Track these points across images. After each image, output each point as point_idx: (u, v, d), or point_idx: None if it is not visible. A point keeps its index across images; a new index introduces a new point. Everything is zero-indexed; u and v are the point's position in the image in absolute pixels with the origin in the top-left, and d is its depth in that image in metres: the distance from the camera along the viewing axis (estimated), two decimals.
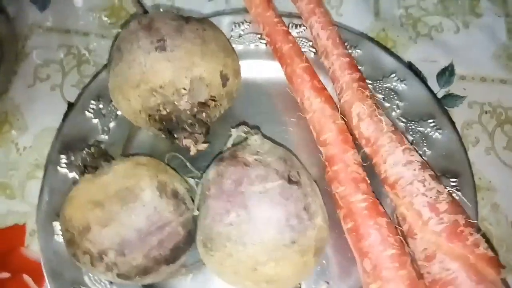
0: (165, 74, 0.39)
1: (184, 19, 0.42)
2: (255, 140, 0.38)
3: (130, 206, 0.34)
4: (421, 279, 0.36)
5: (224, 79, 0.41)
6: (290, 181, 0.35)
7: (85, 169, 0.37)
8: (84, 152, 0.38)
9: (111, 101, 0.47)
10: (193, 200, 0.39)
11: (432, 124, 0.46)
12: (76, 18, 0.63)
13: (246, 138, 0.39)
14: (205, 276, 0.42)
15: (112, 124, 0.48)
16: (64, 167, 0.45)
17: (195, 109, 0.40)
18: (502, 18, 0.60)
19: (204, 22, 0.42)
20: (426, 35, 0.60)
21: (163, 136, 0.42)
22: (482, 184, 0.50)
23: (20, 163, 0.52)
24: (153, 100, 0.39)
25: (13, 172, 0.52)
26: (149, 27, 0.40)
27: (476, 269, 0.33)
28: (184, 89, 0.39)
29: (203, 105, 0.40)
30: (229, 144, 0.40)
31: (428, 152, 0.45)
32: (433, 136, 0.46)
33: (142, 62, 0.39)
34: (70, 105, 0.52)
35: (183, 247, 0.37)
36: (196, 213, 0.36)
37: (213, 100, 0.41)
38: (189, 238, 0.37)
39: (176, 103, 0.39)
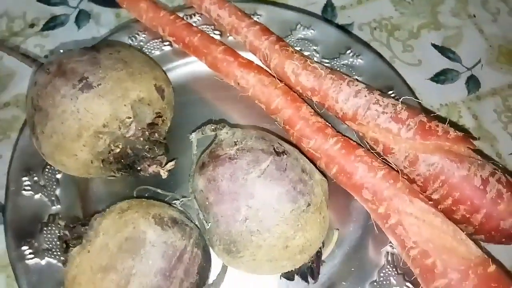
0: (103, 111, 0.36)
1: (92, 49, 0.38)
2: (225, 133, 0.37)
3: (141, 253, 0.32)
4: (414, 183, 0.40)
5: (161, 91, 0.39)
6: (278, 153, 0.35)
7: (67, 245, 0.33)
8: (47, 231, 0.33)
9: (44, 168, 0.42)
10: (189, 219, 0.37)
11: (351, 54, 0.50)
12: None
13: (215, 136, 0.38)
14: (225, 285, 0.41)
15: (58, 191, 0.43)
16: (32, 258, 0.39)
17: (147, 133, 0.38)
18: None
19: (113, 44, 0.39)
20: None
21: (123, 175, 0.39)
22: None
23: None
24: (101, 142, 0.36)
25: None
26: (62, 71, 0.36)
27: (454, 152, 0.38)
28: (129, 117, 0.37)
29: (152, 125, 0.38)
30: (194, 151, 0.39)
31: (359, 79, 0.49)
32: (357, 64, 0.50)
33: (74, 109, 0.35)
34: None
35: (206, 265, 0.35)
36: (207, 226, 0.35)
37: (159, 116, 0.39)
38: (207, 254, 0.36)
39: (126, 135, 0.37)
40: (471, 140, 0.38)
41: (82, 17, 0.59)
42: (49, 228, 0.40)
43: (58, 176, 0.43)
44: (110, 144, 0.36)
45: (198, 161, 0.38)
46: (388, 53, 0.58)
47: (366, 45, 0.53)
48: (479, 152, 0.38)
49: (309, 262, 0.37)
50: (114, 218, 0.34)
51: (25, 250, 0.39)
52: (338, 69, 0.50)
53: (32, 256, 0.39)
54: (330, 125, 0.42)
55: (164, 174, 0.38)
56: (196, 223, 0.38)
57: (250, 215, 0.33)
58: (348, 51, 0.50)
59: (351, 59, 0.50)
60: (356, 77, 0.49)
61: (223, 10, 0.48)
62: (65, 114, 0.35)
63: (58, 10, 0.60)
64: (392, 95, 0.48)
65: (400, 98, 0.41)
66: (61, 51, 0.53)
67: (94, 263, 0.32)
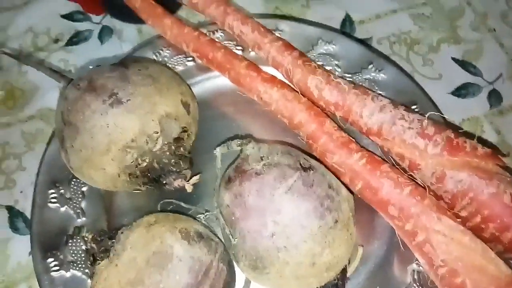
0: (132, 126, 0.36)
1: (121, 65, 0.39)
2: (252, 147, 0.37)
3: (169, 267, 0.32)
4: (441, 200, 0.39)
5: (187, 106, 0.40)
6: (304, 169, 0.35)
7: (95, 258, 0.33)
8: (83, 243, 0.34)
9: (70, 181, 0.42)
10: (214, 233, 0.37)
11: (373, 68, 0.50)
12: None
13: (241, 151, 0.38)
14: None
15: (83, 204, 0.43)
16: (57, 270, 0.40)
17: (173, 147, 0.38)
18: None
19: (140, 60, 0.40)
20: None
21: (146, 188, 0.40)
22: None
23: None
24: (129, 157, 0.37)
25: None
26: (92, 87, 0.37)
27: (482, 169, 0.37)
28: (156, 132, 0.37)
29: (178, 140, 0.39)
30: (218, 165, 0.39)
31: (382, 93, 0.49)
32: (380, 78, 0.50)
33: (103, 124, 0.36)
34: (11, 209, 0.47)
35: (231, 281, 0.35)
36: (234, 242, 0.35)
37: (185, 131, 0.39)
38: (232, 270, 0.36)
39: (153, 150, 0.37)
40: (500, 156, 0.37)
41: (105, 33, 0.60)
42: (74, 240, 0.41)
43: (84, 189, 0.44)
44: (138, 158, 0.37)
45: (223, 176, 0.38)
46: (408, 67, 0.58)
47: (388, 59, 0.53)
48: (507, 169, 0.38)
49: (335, 280, 0.37)
50: (142, 232, 0.34)
51: (50, 262, 0.40)
52: (360, 83, 0.49)
53: (57, 268, 0.40)
54: (354, 140, 0.42)
55: (189, 188, 0.38)
56: (221, 237, 0.38)
57: (277, 231, 0.33)
58: (370, 66, 0.50)
59: (373, 74, 0.50)
60: (379, 92, 0.49)
61: (246, 26, 0.48)
62: (94, 129, 0.36)
63: (81, 26, 0.62)
64: (416, 110, 0.47)
65: (423, 113, 0.41)
66: (90, 67, 0.54)
67: (122, 277, 0.32)
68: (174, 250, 0.33)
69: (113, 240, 0.35)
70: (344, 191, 0.36)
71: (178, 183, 0.38)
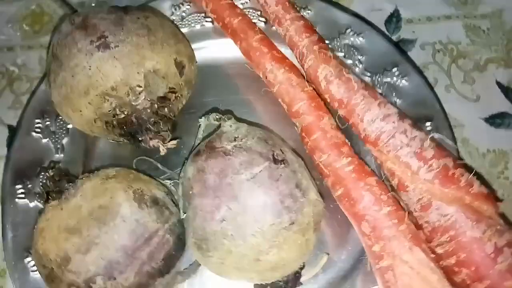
0: (115, 74, 0.35)
1: (122, 9, 0.38)
2: (229, 125, 0.35)
3: (110, 225, 0.31)
4: (420, 229, 0.36)
5: (180, 67, 0.38)
6: (276, 161, 0.33)
7: (48, 195, 0.33)
8: (43, 176, 0.33)
9: (58, 115, 0.42)
10: (175, 203, 0.36)
11: (396, 73, 0.46)
12: None
13: (219, 126, 0.36)
14: (202, 278, 0.40)
15: (65, 140, 0.44)
16: (22, 198, 0.40)
17: (156, 106, 0.37)
18: None
19: (145, 9, 0.38)
20: None
21: (126, 141, 0.39)
22: None
23: None
24: (107, 105, 0.36)
25: None
26: (85, 25, 0.36)
27: (473, 209, 0.33)
28: (139, 86, 0.36)
29: (163, 99, 0.37)
30: (200, 135, 0.37)
31: (399, 101, 0.45)
32: (400, 85, 0.46)
33: (86, 65, 0.35)
34: (12, 129, 0.47)
35: (176, 254, 0.34)
36: (183, 216, 0.33)
37: (173, 92, 0.37)
38: (180, 243, 0.35)
39: (133, 103, 0.36)
40: (495, 200, 0.33)
41: None
42: (46, 173, 0.41)
43: (70, 126, 0.44)
44: (116, 109, 0.36)
45: (196, 147, 0.36)
46: (446, 80, 0.53)
47: (415, 67, 0.48)
48: (503, 217, 0.34)
49: (280, 281, 0.35)
50: (96, 183, 0.33)
51: (18, 189, 0.40)
52: (379, 86, 0.46)
53: (23, 196, 0.40)
54: (348, 143, 0.39)
55: (163, 151, 0.37)
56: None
57: (228, 217, 0.31)
58: (394, 69, 0.46)
59: (395, 78, 0.46)
60: (396, 99, 0.45)
61: None
62: (77, 68, 0.35)
63: None
64: (429, 127, 0.43)
65: (435, 133, 0.38)
66: (93, 4, 0.53)
67: (62, 222, 0.32)
68: (121, 209, 0.32)
69: (71, 184, 0.34)
70: (312, 195, 0.34)
71: (153, 143, 0.37)
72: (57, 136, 0.43)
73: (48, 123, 0.44)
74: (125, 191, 0.33)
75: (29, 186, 0.40)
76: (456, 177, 0.34)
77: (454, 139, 0.43)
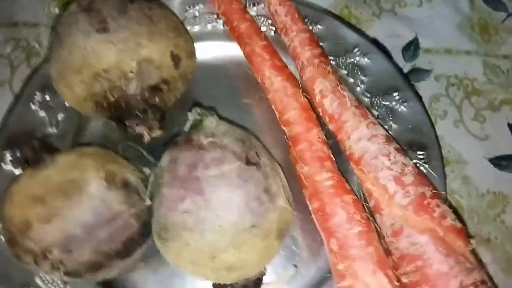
0: (109, 57, 0.36)
1: None
2: (210, 121, 0.35)
3: (74, 199, 0.32)
4: (390, 255, 0.35)
5: (176, 60, 0.39)
6: (248, 162, 0.33)
7: (26, 163, 0.34)
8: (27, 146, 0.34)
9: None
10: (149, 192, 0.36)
11: (397, 98, 0.45)
12: (24, 10, 0.59)
13: (201, 121, 0.36)
14: (169, 270, 0.40)
15: (60, 116, 0.45)
16: (9, 164, 0.42)
17: (146, 94, 0.37)
18: None
19: (151, 1, 0.40)
20: (389, 10, 0.59)
21: (114, 124, 0.40)
22: (452, 157, 0.49)
23: None
24: (98, 85, 0.37)
25: None
26: (89, 8, 0.37)
27: (445, 242, 0.32)
28: (131, 72, 0.36)
29: (155, 88, 0.38)
30: (186, 129, 0.38)
31: (394, 126, 0.44)
32: (399, 110, 0.45)
33: (82, 45, 0.36)
34: (15, 101, 0.49)
35: (138, 240, 0.34)
36: (148, 202, 0.33)
37: (166, 83, 0.38)
38: (145, 230, 0.35)
39: (124, 88, 0.37)
40: (467, 237, 0.32)
41: None
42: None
43: (67, 103, 0.45)
44: (106, 91, 0.37)
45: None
46: (455, 115, 0.52)
47: (417, 95, 0.47)
48: (475, 255, 0.32)
49: (242, 285, 0.34)
50: (72, 157, 0.34)
51: (6, 155, 0.42)
52: (377, 108, 0.45)
53: (9, 162, 0.41)
54: (333, 159, 0.39)
55: (146, 138, 0.38)
56: None
57: (190, 210, 0.31)
58: (395, 94, 0.45)
59: (394, 103, 0.45)
60: (391, 123, 0.44)
61: (282, 7, 0.46)
62: (73, 46, 0.36)
63: None
64: (421, 156, 0.42)
65: (426, 163, 0.37)
66: None
67: (30, 189, 0.33)
68: (89, 186, 0.32)
69: (50, 156, 0.35)
70: (281, 202, 0.33)
71: (139, 129, 0.38)
72: (53, 110, 0.45)
73: (47, 97, 0.45)
74: (97, 170, 0.33)
75: (18, 154, 0.42)
76: (431, 207, 0.33)
77: (443, 173, 0.41)
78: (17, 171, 0.42)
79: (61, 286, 0.37)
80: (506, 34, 0.57)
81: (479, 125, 0.52)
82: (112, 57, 0.36)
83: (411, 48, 0.56)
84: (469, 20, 0.57)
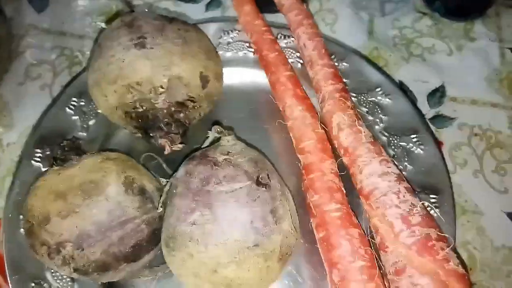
0: (143, 71, 0.39)
1: (168, 19, 0.42)
2: (227, 140, 0.37)
3: (93, 199, 0.34)
4: None
5: (204, 80, 0.41)
6: (258, 183, 0.34)
7: (54, 161, 0.37)
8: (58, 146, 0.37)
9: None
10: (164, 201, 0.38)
11: (414, 140, 0.46)
12: (73, 21, 0.64)
13: (219, 139, 0.38)
14: (172, 283, 0.40)
15: (91, 122, 0.48)
16: (38, 161, 0.44)
17: (173, 109, 0.40)
18: (496, 43, 0.60)
19: (188, 24, 0.42)
20: (418, 55, 0.60)
21: (140, 135, 0.42)
22: (468, 206, 0.49)
23: (3, 159, 0.52)
24: (130, 96, 0.39)
25: None
26: (131, 24, 0.40)
27: (446, 286, 0.32)
28: (162, 87, 0.39)
29: (181, 105, 0.40)
30: (204, 144, 0.39)
31: (409, 167, 0.45)
32: (415, 152, 0.45)
33: (120, 58, 0.39)
34: (53, 103, 0.53)
35: (146, 246, 0.36)
36: (159, 210, 0.35)
37: (192, 100, 0.40)
38: (154, 238, 0.36)
39: (153, 101, 0.39)
40: (469, 283, 0.32)
41: (214, 3, 0.63)
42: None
43: (100, 110, 0.48)
44: (136, 102, 0.39)
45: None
46: (476, 165, 0.52)
47: (435, 139, 0.47)
48: None
49: None
50: (97, 160, 0.36)
51: (37, 153, 0.44)
52: (394, 148, 0.46)
53: (38, 159, 0.44)
54: (343, 191, 0.39)
55: (167, 150, 0.40)
56: None
57: (198, 222, 0.32)
58: (413, 136, 0.46)
59: (411, 144, 0.45)
60: (406, 163, 0.44)
61: (310, 41, 0.48)
62: (112, 58, 0.39)
63: None
64: (433, 200, 0.42)
65: (437, 207, 0.37)
66: (146, 10, 0.58)
67: (54, 185, 0.35)
68: (108, 188, 0.34)
69: (77, 157, 0.37)
70: (286, 225, 0.34)
71: (162, 141, 0.40)
72: (86, 116, 0.48)
73: (82, 103, 0.48)
74: (117, 174, 0.35)
75: (47, 152, 0.44)
76: (434, 249, 0.33)
77: (454, 219, 0.41)
78: (45, 168, 0.44)
79: (69, 283, 0.39)
80: None
81: (499, 178, 0.51)
82: (146, 71, 0.38)
83: (437, 94, 0.56)
84: (498, 74, 0.58)
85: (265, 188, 0.34)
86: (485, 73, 0.58)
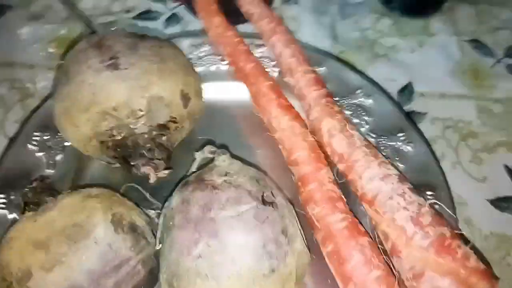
0: (118, 94, 0.35)
1: (139, 36, 0.39)
2: (223, 160, 0.34)
3: (80, 244, 0.30)
4: None
5: (185, 99, 0.38)
6: (264, 202, 0.31)
7: (26, 206, 0.32)
8: (26, 188, 0.32)
9: (58, 131, 0.42)
10: (155, 235, 0.34)
11: (402, 138, 0.45)
12: (21, 50, 0.59)
13: (212, 159, 0.35)
14: None
15: (59, 157, 0.43)
16: (2, 208, 0.39)
17: (154, 132, 0.36)
18: (454, 37, 0.62)
19: (161, 40, 0.39)
20: (383, 55, 0.61)
21: (118, 165, 0.38)
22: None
23: None
24: (105, 124, 0.35)
25: None
26: (99, 45, 0.37)
27: (469, 284, 0.31)
28: (141, 110, 0.36)
29: (163, 127, 0.37)
30: (193, 169, 0.36)
31: (401, 166, 0.44)
32: (405, 150, 0.45)
33: (92, 82, 0.35)
34: (12, 141, 0.47)
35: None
36: (158, 247, 0.31)
37: (174, 121, 0.37)
38: (151, 278, 0.33)
39: (131, 126, 0.36)
40: (493, 279, 0.31)
41: (173, 20, 0.62)
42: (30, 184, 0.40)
43: (67, 144, 0.43)
44: (113, 129, 0.36)
45: (185, 178, 0.35)
46: (453, 157, 0.52)
47: (422, 135, 0.48)
48: None
49: None
50: (77, 199, 0.32)
51: (1, 198, 0.39)
52: (383, 148, 0.45)
53: (3, 206, 0.39)
54: (344, 200, 0.38)
55: (152, 179, 0.36)
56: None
57: (205, 255, 0.29)
58: (400, 134, 0.45)
59: (399, 143, 0.45)
60: (398, 163, 0.44)
61: (287, 49, 0.46)
62: (82, 84, 0.35)
63: (155, 6, 0.65)
64: (430, 196, 0.41)
65: (436, 203, 0.36)
66: (113, 28, 0.55)
67: (32, 234, 0.30)
68: (95, 230, 0.30)
69: (52, 198, 0.33)
70: (298, 244, 0.32)
71: (145, 170, 0.36)
72: (52, 151, 0.43)
73: (46, 137, 0.43)
74: (104, 212, 0.31)
75: (12, 197, 0.39)
76: (452, 248, 0.32)
77: (454, 212, 0.41)
78: (11, 216, 0.39)
79: None
80: (495, 79, 0.59)
81: (476, 167, 0.52)
82: (122, 94, 0.35)
83: (406, 92, 0.57)
84: (461, 66, 0.59)
85: (272, 207, 0.31)
86: (448, 66, 0.59)
